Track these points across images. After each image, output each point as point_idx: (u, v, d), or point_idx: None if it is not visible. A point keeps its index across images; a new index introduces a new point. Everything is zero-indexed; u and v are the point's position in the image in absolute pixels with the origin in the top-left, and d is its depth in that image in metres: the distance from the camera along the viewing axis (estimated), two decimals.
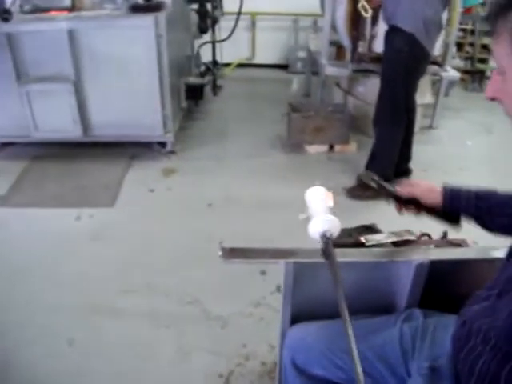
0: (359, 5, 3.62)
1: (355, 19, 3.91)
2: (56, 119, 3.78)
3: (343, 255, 1.29)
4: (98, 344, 2.25)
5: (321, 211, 1.07)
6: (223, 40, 5.26)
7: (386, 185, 1.37)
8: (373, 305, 1.42)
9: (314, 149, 4.13)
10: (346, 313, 0.83)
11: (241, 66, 6.62)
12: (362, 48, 4.10)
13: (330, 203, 1.12)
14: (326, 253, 0.98)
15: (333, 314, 1.09)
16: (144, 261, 2.79)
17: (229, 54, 6.11)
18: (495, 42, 0.85)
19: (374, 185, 1.35)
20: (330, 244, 0.99)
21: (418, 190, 1.34)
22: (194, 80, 4.57)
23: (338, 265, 0.94)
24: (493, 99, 0.92)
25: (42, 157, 3.97)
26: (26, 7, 3.61)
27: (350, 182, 3.58)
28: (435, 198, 1.32)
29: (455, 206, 1.30)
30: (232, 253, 1.21)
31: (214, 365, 2.14)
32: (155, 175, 3.78)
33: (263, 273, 2.56)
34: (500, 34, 0.83)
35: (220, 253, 1.20)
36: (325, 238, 1.00)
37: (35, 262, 2.76)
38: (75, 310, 2.44)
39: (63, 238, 2.99)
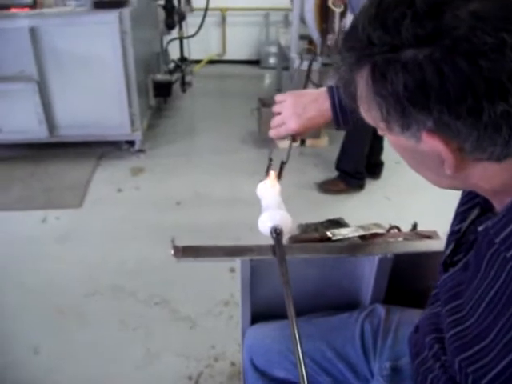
0: (329, 1, 3.60)
1: (324, 12, 3.87)
2: (21, 120, 3.66)
3: (303, 251, 1.24)
4: (65, 349, 2.18)
5: (271, 206, 1.02)
6: (191, 36, 5.20)
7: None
8: (336, 301, 1.37)
9: (285, 143, 4.07)
10: (292, 312, 0.79)
11: (212, 62, 6.56)
12: (331, 41, 4.06)
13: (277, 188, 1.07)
14: (275, 249, 0.93)
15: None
16: (111, 262, 2.72)
17: (200, 50, 6.09)
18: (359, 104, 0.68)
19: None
20: (280, 240, 0.94)
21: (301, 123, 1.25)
22: (161, 77, 4.49)
23: (286, 261, 0.90)
24: None
25: (7, 159, 3.87)
26: None
27: (322, 176, 3.55)
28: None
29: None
30: (185, 251, 1.15)
31: (182, 367, 2.09)
32: (123, 174, 3.70)
33: (232, 270, 2.51)
34: (359, 97, 0.66)
35: (172, 252, 1.14)
36: (274, 233, 0.95)
37: None
38: (40, 315, 2.36)
39: (28, 242, 2.90)
